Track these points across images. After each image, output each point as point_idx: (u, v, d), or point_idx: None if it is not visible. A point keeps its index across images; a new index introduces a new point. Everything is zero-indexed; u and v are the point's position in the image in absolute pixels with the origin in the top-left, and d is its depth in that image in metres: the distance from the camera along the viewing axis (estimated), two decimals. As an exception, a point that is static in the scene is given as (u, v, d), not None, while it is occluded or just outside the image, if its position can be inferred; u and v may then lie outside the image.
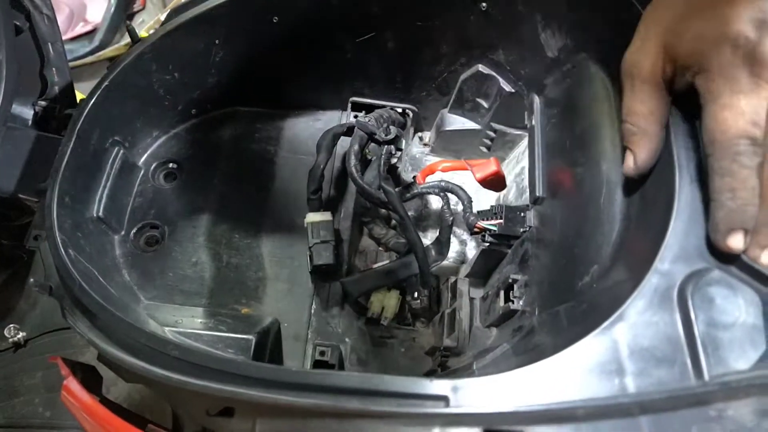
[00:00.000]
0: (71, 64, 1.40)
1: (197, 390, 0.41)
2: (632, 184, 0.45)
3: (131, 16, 1.51)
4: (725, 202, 0.36)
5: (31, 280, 0.52)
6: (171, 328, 0.59)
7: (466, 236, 0.82)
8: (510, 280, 0.61)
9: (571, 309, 0.47)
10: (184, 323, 0.60)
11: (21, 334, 0.90)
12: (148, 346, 0.47)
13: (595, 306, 0.43)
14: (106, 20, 1.43)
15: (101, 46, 1.42)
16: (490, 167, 0.65)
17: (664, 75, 0.39)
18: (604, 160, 0.49)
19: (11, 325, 0.91)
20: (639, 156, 0.40)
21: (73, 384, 0.47)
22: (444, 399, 0.38)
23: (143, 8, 1.53)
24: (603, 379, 0.36)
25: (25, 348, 0.94)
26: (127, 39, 1.43)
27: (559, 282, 0.52)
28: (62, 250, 0.54)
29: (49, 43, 0.66)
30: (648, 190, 0.43)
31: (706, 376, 0.34)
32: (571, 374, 0.36)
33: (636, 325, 0.37)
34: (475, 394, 0.37)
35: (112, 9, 1.44)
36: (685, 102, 0.41)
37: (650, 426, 0.34)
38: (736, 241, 0.36)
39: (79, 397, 0.46)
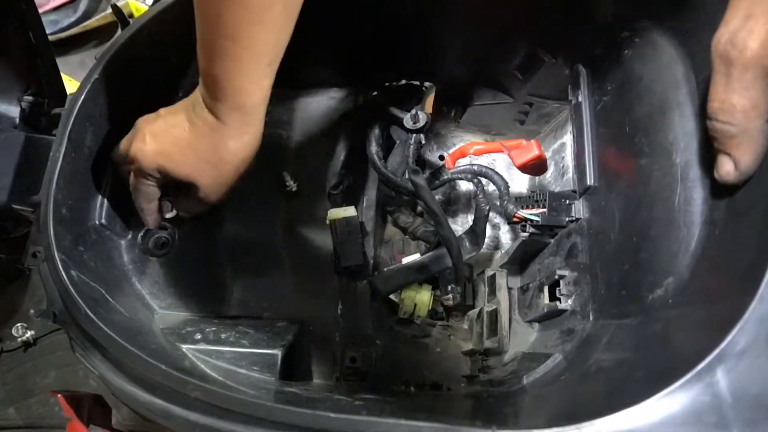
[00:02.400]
0: (56, 36, 1.32)
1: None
2: (718, 183, 0.38)
3: (116, -20, 1.40)
4: None
5: (31, 311, 0.47)
6: (189, 346, 0.54)
7: (499, 219, 0.76)
8: (556, 276, 0.56)
9: (639, 327, 0.41)
10: (203, 339, 0.56)
11: (29, 333, 0.86)
12: (165, 384, 0.42)
13: (674, 331, 0.37)
14: (90, -13, 1.33)
15: (86, 16, 1.32)
16: (531, 151, 0.58)
17: None
18: (677, 151, 0.42)
19: (19, 324, 0.87)
20: (742, 161, 0.33)
21: (78, 428, 0.42)
22: (510, 453, 0.33)
23: (129, -28, 1.42)
24: (702, 433, 0.30)
25: (35, 347, 0.90)
26: (112, 7, 1.34)
27: (620, 288, 0.46)
28: (63, 273, 0.48)
29: (30, 32, 0.58)
30: (740, 191, 0.36)
31: (833, 432, 0.29)
32: (661, 427, 0.31)
33: (739, 366, 0.31)
34: (547, 449, 0.32)
35: (96, -26, 1.33)
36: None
37: (764, 493, 0.29)
38: None
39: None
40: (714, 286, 0.36)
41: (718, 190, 0.38)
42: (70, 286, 0.48)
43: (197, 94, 0.51)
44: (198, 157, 0.52)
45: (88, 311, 0.46)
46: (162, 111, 0.54)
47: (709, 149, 0.38)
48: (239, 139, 0.51)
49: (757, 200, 0.35)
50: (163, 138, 0.52)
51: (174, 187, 0.57)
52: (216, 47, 0.45)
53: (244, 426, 0.39)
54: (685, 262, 0.39)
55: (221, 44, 0.45)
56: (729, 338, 0.31)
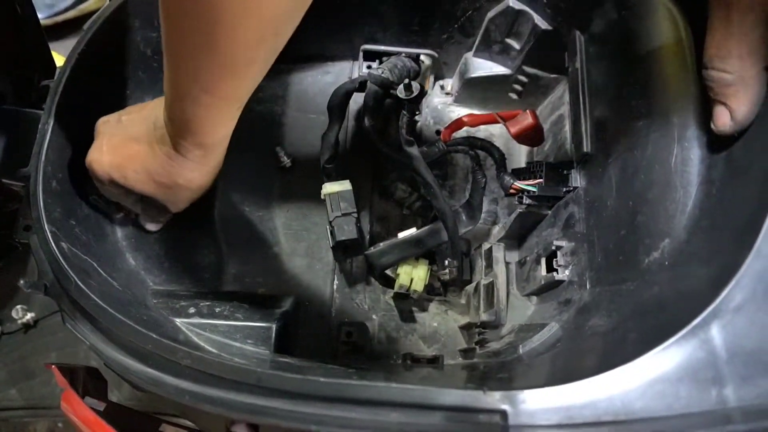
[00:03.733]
0: (52, 20, 1.31)
1: (211, 411, 0.36)
2: (715, 141, 0.37)
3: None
4: None
5: (21, 281, 0.47)
6: (183, 320, 0.54)
7: (497, 194, 0.75)
8: (553, 247, 0.55)
9: (636, 291, 0.41)
10: (197, 313, 0.55)
11: (30, 315, 0.86)
12: (156, 353, 0.41)
13: (671, 292, 0.37)
14: (87, -31, 1.32)
15: (81, -1, 1.31)
16: (526, 120, 0.57)
17: None
18: (675, 112, 0.41)
19: (19, 306, 0.86)
20: (738, 110, 0.32)
21: (72, 398, 0.42)
22: (501, 413, 0.32)
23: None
24: (697, 389, 0.30)
25: (36, 328, 0.90)
26: (112, -11, 1.32)
27: (617, 254, 0.45)
28: (53, 244, 0.48)
29: (17, 4, 0.57)
30: (737, 148, 0.36)
31: (830, 386, 0.28)
32: (656, 384, 0.30)
33: (735, 322, 0.30)
34: (537, 408, 0.31)
35: (94, -44, 1.32)
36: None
37: (760, 448, 0.28)
38: None
39: (81, 413, 0.42)
40: (711, 244, 0.35)
41: (715, 148, 0.38)
42: (60, 258, 0.47)
43: (160, 115, 0.49)
44: (153, 180, 0.51)
45: (79, 282, 0.46)
46: (123, 117, 0.53)
47: (707, 107, 0.37)
48: (197, 170, 0.51)
49: (756, 156, 0.34)
50: (120, 152, 0.51)
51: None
52: (188, 95, 0.42)
53: (235, 393, 0.39)
54: (682, 223, 0.38)
55: (194, 94, 0.42)
56: (724, 293, 0.30)
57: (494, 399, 0.32)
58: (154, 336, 0.42)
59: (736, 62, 0.32)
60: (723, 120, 0.34)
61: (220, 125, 0.46)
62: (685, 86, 0.40)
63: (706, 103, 0.38)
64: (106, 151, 0.51)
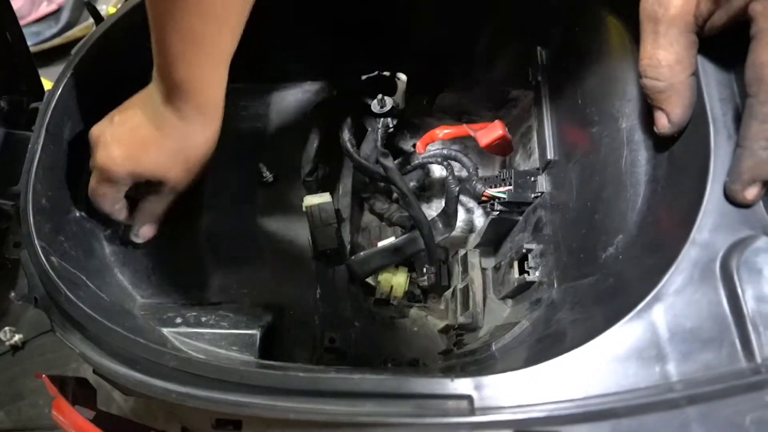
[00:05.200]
0: (39, 48, 1.34)
1: (196, 405, 0.38)
2: (658, 143, 0.41)
3: (98, -9, 1.42)
4: (757, 151, 0.32)
5: (12, 293, 0.49)
6: (170, 329, 0.55)
7: (472, 203, 0.78)
8: (524, 250, 0.58)
9: (595, 284, 0.44)
10: (184, 322, 0.57)
11: (17, 336, 0.88)
12: (143, 357, 0.43)
13: (623, 281, 0.39)
14: (71, -3, 1.35)
15: (68, 26, 1.34)
16: (495, 131, 0.60)
17: (698, 12, 0.34)
18: (623, 117, 0.44)
19: (6, 328, 0.88)
20: (673, 113, 0.36)
21: (63, 405, 0.44)
22: (467, 398, 0.34)
23: (109, -18, 1.44)
24: (642, 367, 0.32)
25: (24, 350, 0.91)
26: (95, 17, 1.36)
27: (579, 252, 0.48)
28: (43, 258, 0.50)
29: (7, 32, 0.60)
30: (677, 148, 0.39)
31: (758, 358, 0.31)
32: (607, 364, 0.33)
33: (675, 304, 0.33)
34: (500, 392, 0.34)
35: (77, -16, 1.36)
36: (716, 46, 0.37)
37: (699, 417, 0.31)
38: (753, 194, 0.33)
39: (72, 419, 0.43)
40: (658, 237, 0.38)
41: (659, 149, 0.41)
42: (50, 270, 0.49)
43: (151, 93, 0.52)
44: (167, 156, 0.54)
45: (68, 293, 0.48)
46: (116, 117, 0.55)
47: (650, 112, 0.41)
48: (204, 134, 0.54)
49: (692, 155, 0.37)
50: (129, 142, 0.53)
51: (139, 189, 0.58)
52: (177, 54, 0.46)
53: (219, 392, 0.40)
54: (633, 219, 0.41)
55: (182, 51, 0.46)
56: (665, 279, 0.33)
57: (461, 385, 0.35)
58: (142, 341, 0.44)
59: (665, 71, 0.35)
60: (662, 122, 0.37)
61: (210, 83, 0.50)
62: (631, 93, 0.44)
63: (649, 107, 0.41)
64: (115, 147, 0.53)
